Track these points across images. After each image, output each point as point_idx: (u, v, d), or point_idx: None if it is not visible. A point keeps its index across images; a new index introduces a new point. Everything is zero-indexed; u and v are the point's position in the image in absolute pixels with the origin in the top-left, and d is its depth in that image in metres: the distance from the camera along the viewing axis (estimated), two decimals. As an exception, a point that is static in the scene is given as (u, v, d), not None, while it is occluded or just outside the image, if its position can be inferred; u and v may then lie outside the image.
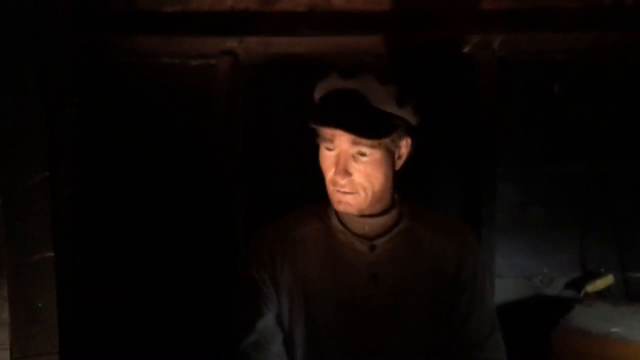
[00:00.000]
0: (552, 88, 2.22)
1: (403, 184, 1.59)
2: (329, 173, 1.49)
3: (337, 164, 1.47)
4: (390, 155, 1.50)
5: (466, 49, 2.14)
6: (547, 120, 2.24)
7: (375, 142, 1.44)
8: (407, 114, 1.48)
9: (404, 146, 1.52)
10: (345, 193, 1.48)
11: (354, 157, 1.46)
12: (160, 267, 2.19)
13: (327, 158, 1.49)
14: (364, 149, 1.45)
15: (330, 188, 1.50)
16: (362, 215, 1.54)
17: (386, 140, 1.46)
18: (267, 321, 1.55)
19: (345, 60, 2.03)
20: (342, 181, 1.46)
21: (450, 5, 2.08)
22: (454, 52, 2.16)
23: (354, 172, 1.46)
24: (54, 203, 1.20)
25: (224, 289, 2.11)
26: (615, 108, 2.22)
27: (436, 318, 1.58)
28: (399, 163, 1.53)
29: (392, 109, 1.45)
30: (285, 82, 2.18)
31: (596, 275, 2.27)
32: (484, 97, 2.18)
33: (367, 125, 1.42)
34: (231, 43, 2.08)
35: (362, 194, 1.48)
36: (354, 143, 1.44)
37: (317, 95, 1.52)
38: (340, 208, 1.51)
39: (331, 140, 1.46)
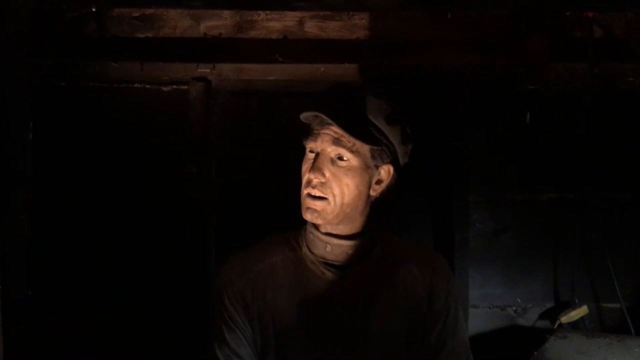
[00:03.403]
0: (524, 117, 2.23)
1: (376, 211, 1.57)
2: (306, 176, 1.50)
3: (313, 163, 1.48)
4: (368, 172, 1.50)
5: (439, 77, 2.16)
6: (519, 149, 2.26)
7: (355, 147, 1.46)
8: (393, 136, 1.49)
9: (385, 172, 1.52)
10: (314, 198, 1.48)
11: (332, 161, 1.47)
12: (128, 295, 2.16)
13: (307, 161, 1.50)
14: (344, 152, 1.46)
15: (303, 192, 1.50)
16: (327, 233, 1.52)
17: (365, 151, 1.47)
18: (243, 352, 1.53)
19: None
20: (315, 180, 1.47)
21: (423, 34, 2.10)
22: (427, 80, 2.18)
23: (328, 174, 1.47)
24: (3, 233, 1.16)
25: (196, 317, 2.09)
26: (586, 137, 2.24)
27: (409, 349, 1.56)
28: (376, 189, 1.53)
29: (379, 123, 1.47)
30: (259, 109, 2.18)
31: (570, 305, 2.26)
32: (457, 124, 2.20)
33: (351, 123, 1.44)
34: (203, 69, 2.07)
35: (330, 200, 1.47)
36: (335, 143, 1.45)
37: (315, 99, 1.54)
38: (308, 215, 1.49)
39: (315, 140, 1.47)
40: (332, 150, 1.47)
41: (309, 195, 1.48)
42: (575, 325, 2.25)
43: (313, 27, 2.11)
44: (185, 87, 2.13)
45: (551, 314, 2.29)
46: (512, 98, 2.23)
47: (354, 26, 2.11)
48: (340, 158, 1.47)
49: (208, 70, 2.08)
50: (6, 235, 1.15)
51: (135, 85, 2.14)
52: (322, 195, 1.47)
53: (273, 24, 2.10)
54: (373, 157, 1.49)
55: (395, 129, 1.49)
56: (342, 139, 1.45)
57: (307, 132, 1.51)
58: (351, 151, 1.46)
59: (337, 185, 1.47)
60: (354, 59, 2.09)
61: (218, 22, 2.08)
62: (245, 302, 1.54)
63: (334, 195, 1.47)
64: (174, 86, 2.15)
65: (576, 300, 2.26)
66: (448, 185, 2.22)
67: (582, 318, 2.25)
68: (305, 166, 1.51)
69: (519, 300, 2.30)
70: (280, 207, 1.65)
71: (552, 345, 2.04)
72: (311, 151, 1.50)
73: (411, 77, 2.18)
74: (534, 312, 2.31)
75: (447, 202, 2.22)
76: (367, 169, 1.49)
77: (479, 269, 2.27)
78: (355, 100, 1.48)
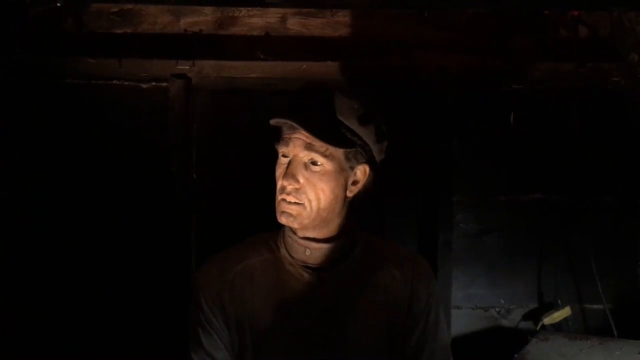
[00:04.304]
0: (508, 117, 2.22)
1: (359, 211, 1.55)
2: (279, 182, 1.47)
3: (287, 169, 1.45)
4: (343, 174, 1.47)
5: (422, 78, 2.13)
6: (504, 149, 2.24)
7: (328, 151, 1.43)
8: (367, 136, 1.46)
9: (361, 172, 1.50)
10: (289, 203, 1.45)
11: (305, 166, 1.44)
12: (105, 295, 2.13)
13: (280, 166, 1.48)
14: (317, 157, 1.43)
15: (278, 198, 1.47)
16: (305, 238, 1.50)
17: (339, 154, 1.45)
18: (219, 355, 1.51)
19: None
20: (289, 187, 1.44)
21: (406, 33, 2.07)
22: (411, 80, 2.15)
23: (302, 180, 1.44)
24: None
25: (175, 318, 2.05)
26: (571, 137, 2.23)
27: (390, 352, 1.54)
28: (353, 189, 1.50)
29: (352, 124, 1.44)
30: (239, 106, 2.15)
31: (553, 306, 2.25)
32: (442, 125, 2.17)
33: (322, 128, 1.41)
34: (183, 66, 2.04)
35: (306, 205, 1.45)
36: (307, 148, 1.42)
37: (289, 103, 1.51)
38: (283, 219, 1.47)
39: (287, 145, 1.44)
40: (304, 156, 1.44)
41: (284, 200, 1.46)
42: (558, 327, 2.24)
43: (295, 24, 2.08)
44: (165, 84, 2.09)
45: (534, 315, 2.27)
46: (496, 98, 2.20)
47: (336, 23, 2.08)
48: (314, 163, 1.44)
49: (187, 67, 2.04)
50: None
51: (114, 81, 2.10)
52: (297, 201, 1.45)
53: (255, 20, 2.07)
54: (347, 159, 1.46)
55: (369, 129, 1.46)
56: (315, 143, 1.42)
57: (279, 136, 1.48)
58: (324, 155, 1.43)
59: (312, 190, 1.44)
60: (336, 57, 2.06)
61: (198, 18, 2.05)
62: (222, 304, 1.51)
63: (309, 201, 1.45)
64: (153, 83, 2.10)
65: (559, 302, 2.25)
66: (432, 186, 2.20)
67: (565, 319, 2.24)
68: (279, 171, 1.47)
69: (502, 301, 2.29)
70: (262, 207, 1.62)
71: (534, 347, 2.02)
72: (284, 155, 1.47)
73: (396, 77, 2.14)
74: (517, 313, 2.29)
75: (432, 203, 2.20)
76: (342, 171, 1.47)
77: (462, 270, 2.25)
78: (325, 103, 1.44)
